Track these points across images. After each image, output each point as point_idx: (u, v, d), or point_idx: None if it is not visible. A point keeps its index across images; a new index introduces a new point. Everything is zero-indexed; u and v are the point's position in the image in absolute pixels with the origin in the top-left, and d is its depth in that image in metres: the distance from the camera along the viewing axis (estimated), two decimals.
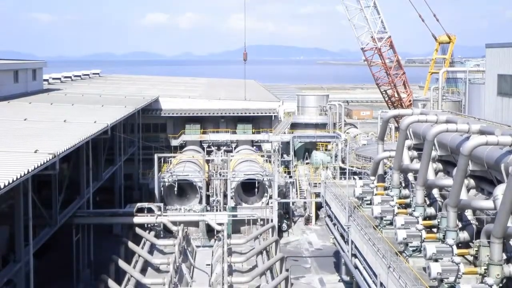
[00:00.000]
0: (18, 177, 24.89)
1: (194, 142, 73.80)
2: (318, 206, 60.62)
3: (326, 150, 73.44)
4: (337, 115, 78.48)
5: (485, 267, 26.28)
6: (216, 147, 71.58)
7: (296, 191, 67.23)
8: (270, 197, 55.57)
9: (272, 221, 53.68)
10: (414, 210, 34.86)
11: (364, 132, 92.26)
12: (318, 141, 73.72)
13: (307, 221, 63.82)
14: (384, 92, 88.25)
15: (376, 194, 40.11)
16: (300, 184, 67.81)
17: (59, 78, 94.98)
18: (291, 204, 64.44)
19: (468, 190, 32.17)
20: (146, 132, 73.37)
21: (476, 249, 27.68)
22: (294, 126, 77.34)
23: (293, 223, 63.04)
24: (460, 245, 30.13)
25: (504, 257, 26.07)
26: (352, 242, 39.78)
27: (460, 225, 30.53)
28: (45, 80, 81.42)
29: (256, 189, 57.21)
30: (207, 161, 60.34)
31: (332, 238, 49.54)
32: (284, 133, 74.02)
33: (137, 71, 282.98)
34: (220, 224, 45.35)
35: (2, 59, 67.76)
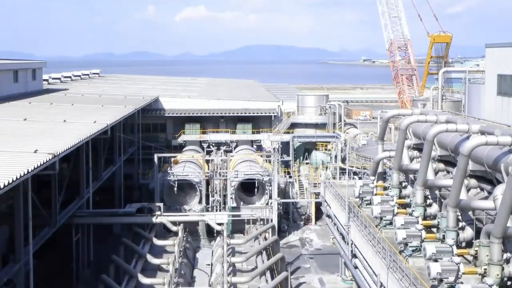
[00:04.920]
0: (18, 177, 24.89)
1: (194, 142, 73.77)
2: (318, 206, 60.62)
3: (326, 150, 73.43)
4: (336, 115, 78.48)
5: (485, 267, 26.30)
6: (216, 147, 71.55)
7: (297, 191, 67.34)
8: (270, 197, 55.56)
9: (272, 221, 53.69)
10: (414, 210, 34.90)
11: (364, 132, 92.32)
12: (317, 141, 73.70)
13: (307, 221, 63.82)
14: (399, 90, 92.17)
15: (375, 194, 40.17)
16: (302, 183, 67.85)
17: (59, 78, 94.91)
18: (291, 204, 64.46)
19: (468, 190, 32.18)
20: (146, 132, 73.36)
21: (476, 249, 27.69)
22: (293, 126, 77.35)
23: (293, 223, 63.00)
24: (459, 244, 30.13)
25: (504, 257, 26.08)
26: (352, 242, 39.83)
27: (460, 225, 30.54)
28: (45, 80, 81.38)
29: (256, 189, 57.20)
30: (207, 161, 60.30)
31: (332, 238, 49.60)
32: (288, 132, 74.06)
33: (137, 71, 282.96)
34: (219, 224, 45.34)
35: (2, 59, 67.74)
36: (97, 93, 74.75)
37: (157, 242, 41.80)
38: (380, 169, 43.26)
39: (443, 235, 30.47)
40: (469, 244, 29.58)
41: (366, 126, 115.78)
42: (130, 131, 66.21)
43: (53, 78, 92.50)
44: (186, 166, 58.55)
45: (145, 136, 71.48)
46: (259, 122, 76.80)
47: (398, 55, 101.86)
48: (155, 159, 55.98)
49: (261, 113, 76.04)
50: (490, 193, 30.24)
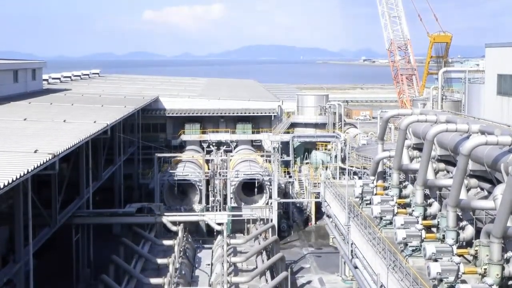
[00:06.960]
0: (18, 177, 24.89)
1: (194, 142, 73.80)
2: (318, 206, 60.59)
3: (325, 149, 73.40)
4: (336, 115, 78.43)
5: (485, 267, 26.29)
6: (216, 147, 71.58)
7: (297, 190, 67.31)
8: (270, 197, 55.59)
9: (272, 221, 53.72)
10: (413, 210, 34.89)
11: (364, 132, 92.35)
12: (317, 141, 73.68)
13: (307, 220, 63.85)
14: (399, 90, 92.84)
15: (375, 194, 40.16)
16: (302, 183, 67.87)
17: (59, 78, 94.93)
18: (291, 204, 64.47)
19: (468, 190, 32.17)
20: (146, 132, 73.36)
21: (476, 248, 27.69)
22: (293, 125, 77.34)
23: (293, 222, 63.03)
24: (462, 243, 30.11)
25: (504, 256, 26.08)
26: (352, 242, 39.83)
27: (460, 225, 30.53)
28: (44, 80, 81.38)
29: (256, 189, 57.23)
30: (207, 161, 60.33)
31: (332, 238, 49.61)
32: (288, 132, 74.07)
33: (137, 71, 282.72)
34: (219, 224, 45.34)
35: (2, 59, 67.73)
36: (97, 93, 74.76)
37: (157, 242, 41.79)
38: (380, 169, 43.24)
39: (443, 235, 30.47)
40: (469, 244, 29.59)
41: (366, 126, 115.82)
42: (130, 131, 66.25)
43: (53, 78, 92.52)
44: (186, 166, 58.59)
45: (145, 136, 71.46)
46: (259, 122, 76.79)
47: (398, 55, 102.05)
48: (155, 159, 56.00)
49: (261, 113, 76.04)
50: (490, 192, 30.24)
